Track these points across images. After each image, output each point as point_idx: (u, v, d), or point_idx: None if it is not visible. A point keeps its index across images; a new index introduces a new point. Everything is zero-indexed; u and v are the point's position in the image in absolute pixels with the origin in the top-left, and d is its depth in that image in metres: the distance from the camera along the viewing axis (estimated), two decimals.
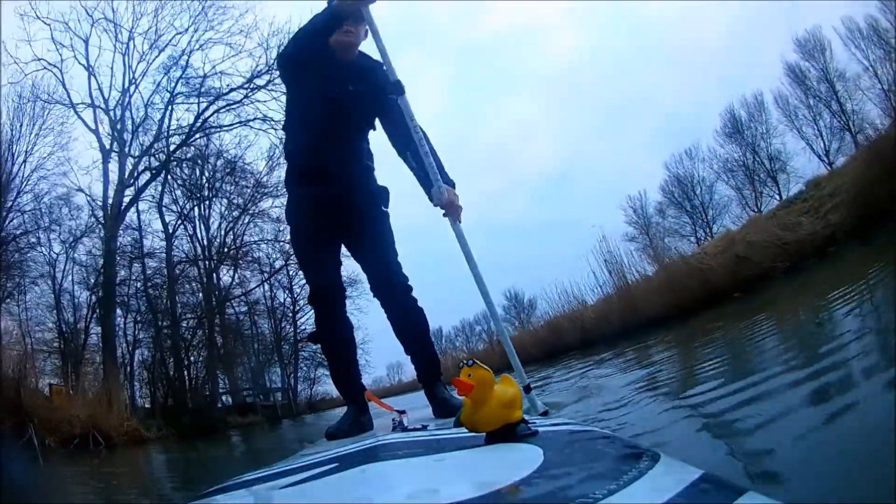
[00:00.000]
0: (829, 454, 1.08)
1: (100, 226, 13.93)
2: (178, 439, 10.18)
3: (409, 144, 1.84)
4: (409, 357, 2.03)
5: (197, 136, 15.03)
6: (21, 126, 13.29)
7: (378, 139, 2.05)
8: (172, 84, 14.65)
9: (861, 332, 2.22)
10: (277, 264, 18.77)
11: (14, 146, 13.04)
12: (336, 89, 1.89)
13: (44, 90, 13.49)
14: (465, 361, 0.90)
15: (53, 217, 14.21)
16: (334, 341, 2.02)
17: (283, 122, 2.22)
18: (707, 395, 2.14)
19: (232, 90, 14.49)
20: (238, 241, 17.75)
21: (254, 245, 17.94)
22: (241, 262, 17.92)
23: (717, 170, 20.85)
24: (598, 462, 0.73)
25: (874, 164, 6.41)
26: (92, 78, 13.97)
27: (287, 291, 20.30)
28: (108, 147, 13.85)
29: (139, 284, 15.37)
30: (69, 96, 13.82)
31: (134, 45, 14.27)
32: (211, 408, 15.46)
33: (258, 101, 14.47)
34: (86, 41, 13.79)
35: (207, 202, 16.92)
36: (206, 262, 17.02)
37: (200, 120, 14.78)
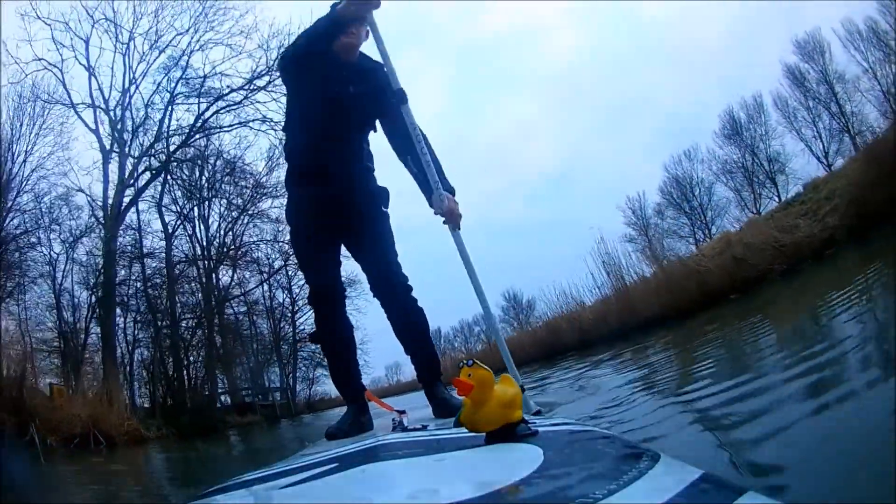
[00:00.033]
0: (829, 454, 1.08)
1: (100, 226, 13.95)
2: (177, 439, 10.18)
3: (410, 149, 1.85)
4: (409, 357, 2.03)
5: (197, 136, 15.04)
6: (21, 126, 13.30)
7: (378, 142, 2.06)
8: (172, 84, 14.66)
9: (858, 333, 2.22)
10: (276, 265, 18.82)
11: (14, 146, 13.05)
12: (337, 90, 1.90)
13: (44, 90, 13.51)
14: (465, 361, 0.90)
15: (54, 216, 14.25)
16: (334, 341, 2.02)
17: (283, 124, 2.22)
18: (705, 396, 2.15)
19: (232, 91, 14.49)
20: (237, 242, 17.77)
21: (253, 245, 17.97)
22: (240, 262, 17.94)
23: (716, 171, 20.92)
24: (598, 462, 0.73)
25: (871, 168, 6.42)
26: (92, 78, 13.98)
27: (286, 292, 20.35)
28: (108, 147, 13.86)
29: (139, 284, 15.38)
30: (69, 96, 13.83)
31: (134, 46, 14.27)
32: (210, 407, 15.45)
33: (258, 101, 14.48)
34: (86, 41, 13.80)
35: (207, 202, 16.94)
36: (206, 263, 17.02)
37: (200, 121, 14.79)
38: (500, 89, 52.13)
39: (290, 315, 20.84)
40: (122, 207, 13.79)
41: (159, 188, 15.37)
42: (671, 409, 2.08)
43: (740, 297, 7.18)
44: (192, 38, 14.27)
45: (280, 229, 16.97)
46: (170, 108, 14.62)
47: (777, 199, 18.29)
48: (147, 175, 14.57)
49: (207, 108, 14.74)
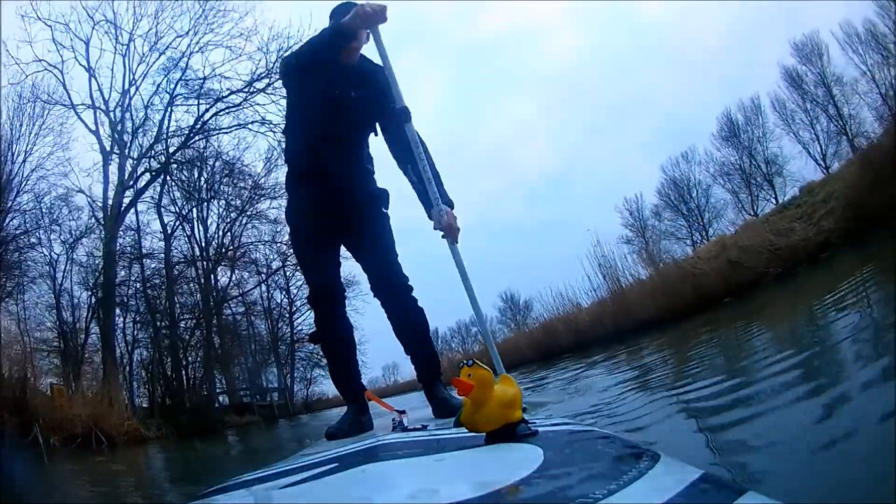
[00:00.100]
0: (829, 454, 1.08)
1: (100, 227, 13.94)
2: (177, 439, 10.21)
3: (410, 158, 1.85)
4: (409, 357, 2.03)
5: (196, 138, 15.04)
6: (21, 126, 13.29)
7: (378, 145, 2.06)
8: (172, 86, 14.66)
9: (855, 334, 2.23)
10: (274, 265, 18.81)
11: (14, 146, 13.03)
12: (338, 92, 1.90)
13: (44, 91, 13.50)
14: (465, 361, 0.90)
15: (54, 217, 14.25)
16: (334, 341, 2.02)
17: (282, 126, 2.22)
18: (702, 396, 2.15)
19: (232, 93, 14.49)
20: (236, 243, 17.76)
21: (251, 246, 17.96)
22: (238, 263, 17.92)
23: (714, 173, 20.96)
24: (598, 462, 0.73)
25: (867, 172, 6.43)
26: (93, 79, 13.98)
27: (284, 292, 20.35)
28: (108, 149, 13.85)
29: (138, 285, 15.38)
30: (69, 97, 13.83)
31: (134, 47, 14.27)
32: (208, 407, 15.45)
33: (257, 103, 14.47)
34: (86, 43, 13.79)
35: (206, 203, 16.94)
36: (204, 263, 17.01)
37: (200, 122, 14.78)
38: (500, 89, 52.33)
39: (287, 316, 20.86)
40: (122, 208, 13.79)
41: (158, 189, 15.39)
42: (667, 408, 2.09)
43: (735, 300, 7.21)
44: (191, 39, 14.29)
45: (278, 230, 17.02)
46: (169, 109, 14.64)
47: (775, 201, 18.34)
48: (147, 176, 14.58)
49: (207, 110, 14.76)
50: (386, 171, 2.05)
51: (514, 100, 50.06)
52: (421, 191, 1.88)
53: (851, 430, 1.17)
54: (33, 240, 13.77)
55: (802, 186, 12.52)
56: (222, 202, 17.14)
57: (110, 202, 13.52)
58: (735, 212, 20.03)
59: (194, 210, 16.95)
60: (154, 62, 14.43)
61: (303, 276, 2.24)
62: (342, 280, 2.03)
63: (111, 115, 14.14)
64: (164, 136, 14.66)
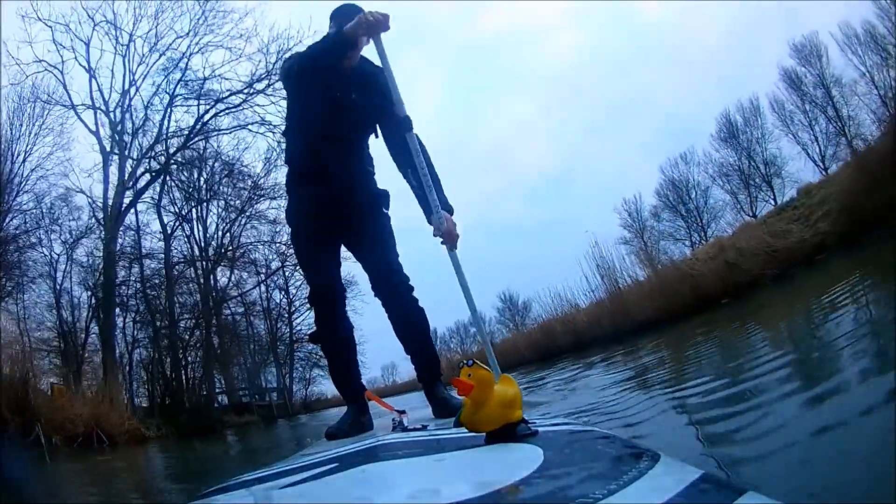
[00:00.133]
0: (829, 454, 1.08)
1: (100, 227, 13.94)
2: (176, 438, 10.24)
3: (411, 161, 1.85)
4: (409, 357, 2.03)
5: (196, 139, 15.05)
6: (21, 126, 13.29)
7: (379, 148, 2.07)
8: (172, 86, 14.67)
9: (852, 335, 2.23)
10: (274, 265, 18.80)
11: (14, 146, 13.02)
12: (339, 94, 1.90)
13: (44, 91, 13.52)
14: (465, 361, 0.90)
15: (54, 216, 14.26)
16: (334, 341, 2.02)
17: (282, 127, 2.22)
18: (701, 396, 2.16)
19: (232, 94, 14.50)
20: (235, 243, 17.75)
21: (250, 246, 17.96)
22: (237, 263, 17.92)
23: (713, 174, 20.97)
24: (598, 462, 0.73)
25: (863, 174, 6.43)
26: (93, 80, 13.99)
27: (283, 292, 20.34)
28: (108, 149, 13.85)
29: (138, 285, 15.38)
30: (70, 98, 13.87)
31: (134, 48, 14.28)
32: (208, 407, 15.45)
33: (257, 104, 14.48)
34: (87, 43, 13.81)
35: (205, 204, 16.94)
36: (204, 263, 17.00)
37: (200, 123, 14.79)
38: (500, 89, 52.34)
39: (286, 316, 20.86)
40: (122, 209, 13.79)
41: (158, 189, 15.41)
42: (665, 408, 2.09)
43: (733, 301, 7.24)
44: (191, 40, 14.31)
45: (277, 230, 17.05)
46: (169, 109, 14.65)
47: (773, 202, 18.36)
48: (147, 177, 14.60)
49: (207, 111, 14.77)
50: (386, 171, 2.05)
51: (514, 100, 50.13)
52: (421, 196, 1.88)
53: (851, 430, 1.17)
54: (33, 240, 13.82)
55: (800, 188, 12.55)
56: (222, 202, 17.17)
57: (110, 202, 13.55)
58: (734, 213, 20.09)
59: (194, 210, 16.98)
60: (154, 63, 14.47)
61: (303, 276, 2.24)
62: (342, 280, 2.03)
63: (111, 115, 14.16)
64: (164, 136, 14.68)
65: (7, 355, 7.20)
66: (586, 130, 43.52)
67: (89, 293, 14.79)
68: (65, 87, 13.70)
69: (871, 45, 14.50)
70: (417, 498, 0.65)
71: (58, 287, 14.55)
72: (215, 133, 15.26)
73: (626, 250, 13.95)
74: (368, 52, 1.94)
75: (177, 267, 16.30)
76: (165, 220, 15.85)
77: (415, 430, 1.28)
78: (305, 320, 19.76)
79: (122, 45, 14.13)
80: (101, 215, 13.84)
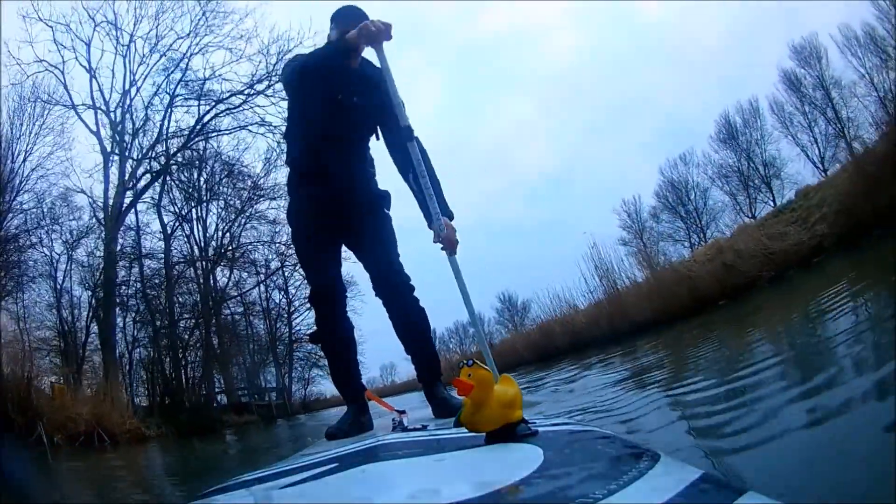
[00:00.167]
0: (829, 454, 1.08)
1: (100, 227, 13.95)
2: (176, 438, 10.25)
3: (412, 166, 1.85)
4: (410, 357, 2.03)
5: (197, 139, 15.05)
6: (22, 125, 13.29)
7: (381, 151, 2.06)
8: (172, 87, 14.67)
9: (848, 336, 2.24)
10: (273, 265, 18.79)
11: (15, 145, 13.02)
12: (340, 96, 1.90)
13: (44, 90, 13.51)
14: (465, 362, 0.90)
15: (55, 215, 14.26)
16: (334, 341, 2.02)
17: (282, 128, 2.22)
18: (699, 396, 2.16)
19: (232, 95, 14.50)
20: (235, 243, 17.75)
21: (250, 246, 17.95)
22: (237, 263, 17.91)
23: (712, 175, 20.99)
24: (598, 462, 0.73)
25: (861, 177, 6.44)
26: (93, 80, 13.98)
27: (282, 293, 20.33)
28: (108, 150, 13.85)
29: (138, 285, 15.39)
30: (70, 98, 13.87)
31: (135, 48, 14.29)
32: (207, 407, 15.45)
33: (257, 105, 14.49)
34: (87, 44, 13.81)
35: (205, 204, 16.94)
36: (204, 263, 17.00)
37: (200, 124, 14.79)
38: (500, 89, 52.40)
39: (286, 316, 20.86)
40: (123, 209, 13.79)
41: (158, 189, 15.42)
42: (663, 407, 2.09)
43: (730, 302, 7.25)
44: (191, 41, 14.31)
45: (277, 230, 17.04)
46: (169, 110, 14.65)
47: (773, 203, 18.36)
48: (147, 177, 14.60)
49: (208, 112, 14.77)
50: (387, 172, 2.05)
51: (514, 100, 50.22)
52: (421, 200, 1.88)
53: (851, 430, 1.17)
54: (34, 239, 13.82)
55: (798, 190, 12.55)
56: (221, 202, 17.17)
57: (111, 202, 13.55)
58: (733, 214, 20.10)
59: (194, 210, 16.98)
60: (155, 63, 14.47)
61: (304, 276, 2.24)
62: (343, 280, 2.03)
63: (112, 115, 14.16)
64: (164, 136, 14.68)
65: (8, 354, 7.22)
66: (586, 130, 43.61)
67: (89, 293, 14.84)
68: (65, 87, 13.73)
69: (871, 46, 14.52)
70: (417, 498, 0.65)
71: (58, 286, 14.59)
72: (215, 134, 15.28)
73: (625, 251, 13.98)
74: (370, 53, 1.94)
75: (177, 267, 16.31)
76: (165, 220, 15.90)
77: (415, 430, 1.28)
78: (305, 320, 19.81)
79: (123, 46, 14.16)
80: (101, 215, 13.87)
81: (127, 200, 13.99)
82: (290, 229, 2.13)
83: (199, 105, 14.77)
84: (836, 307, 3.23)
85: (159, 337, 15.32)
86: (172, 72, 14.56)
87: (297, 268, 17.69)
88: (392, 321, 2.01)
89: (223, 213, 17.38)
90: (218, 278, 18.09)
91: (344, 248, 2.04)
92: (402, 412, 1.50)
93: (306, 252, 2.03)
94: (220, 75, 14.41)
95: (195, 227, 17.23)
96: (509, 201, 46.95)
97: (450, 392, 1.90)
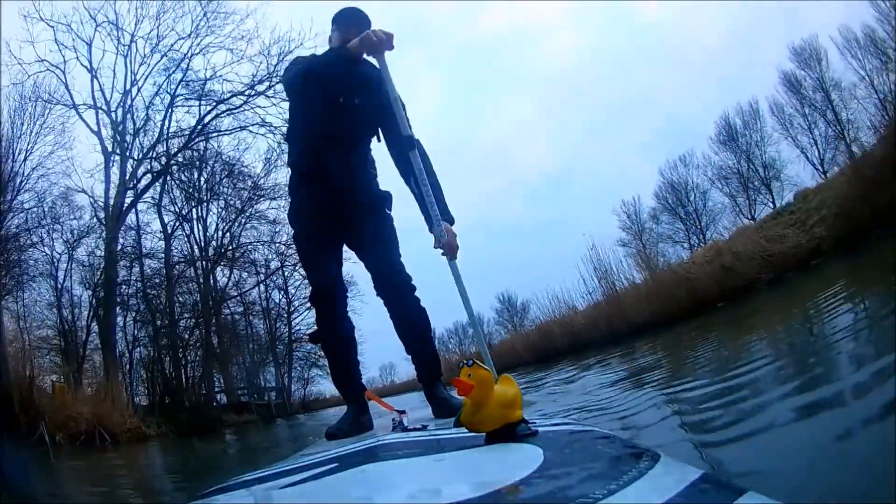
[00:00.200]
0: (829, 454, 1.08)
1: (101, 227, 13.95)
2: (176, 437, 10.26)
3: (413, 169, 1.86)
4: (410, 357, 2.03)
5: (197, 139, 15.06)
6: (22, 124, 13.29)
7: (382, 153, 2.07)
8: (173, 87, 14.68)
9: (845, 338, 2.24)
10: (273, 265, 18.79)
11: (15, 144, 13.03)
12: (342, 98, 1.90)
13: (45, 90, 13.51)
14: (465, 362, 0.90)
15: (56, 215, 14.28)
16: (334, 341, 2.02)
17: (282, 128, 2.22)
18: (698, 397, 2.16)
19: (233, 95, 14.50)
20: (235, 243, 17.76)
21: (250, 246, 17.95)
22: (237, 263, 17.92)
23: (712, 177, 21.00)
24: (598, 462, 0.73)
25: (859, 180, 6.44)
26: (94, 80, 13.98)
27: (282, 292, 20.34)
28: (109, 150, 13.86)
29: (138, 284, 15.40)
30: (72, 97, 13.86)
31: (136, 48, 14.29)
32: (207, 406, 15.46)
33: (258, 106, 14.48)
34: (89, 44, 13.80)
35: (205, 203, 16.96)
36: (204, 263, 17.01)
37: (201, 124, 14.80)
38: (500, 89, 52.38)
39: (285, 315, 20.86)
40: (123, 208, 13.80)
41: (159, 189, 15.43)
42: (662, 407, 2.09)
43: (729, 304, 7.27)
44: (192, 41, 14.31)
45: (277, 230, 17.04)
46: (170, 110, 14.65)
47: (772, 205, 18.36)
48: (148, 177, 14.60)
49: (209, 112, 14.77)
50: (387, 173, 2.06)
51: (514, 100, 50.20)
52: (422, 205, 1.89)
53: (851, 430, 1.17)
54: (35, 238, 13.83)
55: (797, 193, 12.54)
56: (222, 202, 17.18)
57: (111, 202, 13.55)
58: (733, 216, 20.11)
59: (194, 210, 16.99)
60: (156, 63, 14.48)
61: (304, 276, 2.25)
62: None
63: (113, 115, 14.17)
64: (165, 136, 14.69)
65: (10, 353, 7.24)
66: (586, 130, 43.61)
67: (90, 292, 14.86)
68: (67, 86, 13.72)
69: (871, 48, 14.52)
70: (417, 498, 0.65)
71: (59, 286, 14.61)
72: (216, 134, 15.29)
73: (624, 252, 14.00)
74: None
75: (177, 266, 16.31)
76: (166, 219, 15.90)
77: (415, 430, 1.28)
78: (304, 320, 19.82)
79: (124, 46, 14.14)
80: (102, 215, 13.87)
81: (128, 200, 14.00)
82: (290, 230, 2.13)
83: (199, 105, 14.79)
84: (833, 309, 3.23)
85: (159, 336, 15.33)
86: (173, 72, 14.58)
87: (296, 268, 17.73)
88: (393, 321, 2.01)
89: (223, 212, 17.41)
90: (218, 278, 18.12)
91: (346, 248, 2.04)
92: (402, 412, 1.50)
93: (307, 252, 2.03)
94: (220, 76, 14.43)
95: (195, 226, 17.26)
96: (509, 201, 46.98)
97: (450, 392, 1.90)
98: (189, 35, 14.19)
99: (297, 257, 2.41)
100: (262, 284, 19.44)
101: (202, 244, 17.34)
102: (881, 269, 4.12)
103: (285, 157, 2.17)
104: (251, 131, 14.83)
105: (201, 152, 15.64)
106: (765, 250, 7.75)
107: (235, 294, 18.56)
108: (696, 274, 8.29)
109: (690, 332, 5.86)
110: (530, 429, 0.92)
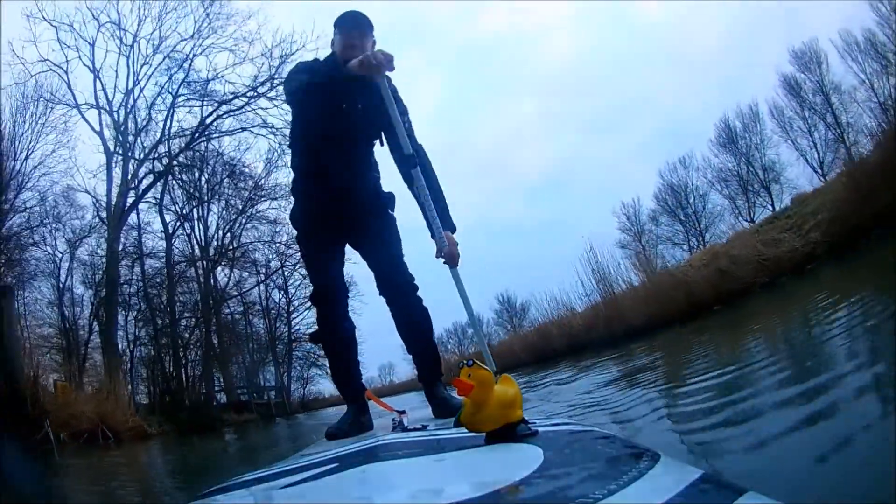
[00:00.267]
0: (829, 454, 1.08)
1: (103, 226, 13.98)
2: (177, 435, 10.30)
3: (415, 187, 1.86)
4: (411, 356, 2.03)
5: (199, 140, 15.08)
6: (24, 123, 13.32)
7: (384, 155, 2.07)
8: (175, 87, 14.70)
9: (845, 339, 2.24)
10: (273, 265, 18.82)
11: (17, 143, 13.05)
12: (344, 102, 1.90)
13: (47, 89, 13.54)
14: (465, 362, 0.90)
15: (58, 214, 14.32)
16: (335, 341, 2.02)
17: (285, 131, 2.22)
18: (698, 397, 2.16)
19: (235, 97, 14.52)
20: (235, 243, 17.78)
21: (251, 246, 17.98)
22: (238, 262, 17.94)
23: (711, 179, 20.99)
24: (598, 462, 0.73)
25: (856, 185, 6.44)
26: (97, 80, 14.02)
27: (282, 292, 20.36)
28: (112, 150, 13.88)
29: (140, 284, 15.43)
30: (74, 97, 13.90)
31: (138, 49, 14.31)
32: (207, 405, 15.48)
33: (260, 107, 14.50)
34: (91, 44, 13.84)
35: (206, 203, 16.98)
36: (204, 263, 17.03)
37: (202, 125, 14.82)
38: (500, 89, 52.25)
39: (285, 315, 20.88)
40: (125, 208, 13.83)
41: (160, 189, 15.45)
42: (662, 408, 2.09)
43: (725, 308, 7.30)
44: (195, 42, 14.34)
45: (277, 230, 17.07)
46: (172, 110, 14.68)
47: (771, 208, 18.35)
48: (150, 177, 14.63)
49: (211, 113, 14.79)
50: (389, 175, 2.06)
51: (514, 100, 50.17)
52: (424, 215, 1.89)
53: (851, 430, 1.17)
54: (36, 237, 13.86)
55: (794, 197, 12.57)
56: (223, 202, 17.21)
57: (114, 202, 13.57)
58: (732, 218, 20.07)
59: (195, 210, 17.01)
60: (158, 64, 14.51)
61: (304, 276, 2.25)
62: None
63: (115, 115, 14.20)
64: (167, 137, 14.72)
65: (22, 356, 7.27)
66: (586, 130, 43.62)
67: (91, 291, 14.90)
68: (69, 86, 13.77)
69: (871, 52, 14.52)
70: (417, 498, 0.65)
71: (60, 285, 14.63)
72: (217, 135, 15.32)
73: (623, 254, 14.00)
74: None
75: (178, 266, 16.34)
76: (167, 219, 15.94)
77: (415, 430, 1.27)
78: (304, 320, 19.85)
79: (127, 46, 14.21)
80: (104, 214, 13.91)
81: (129, 200, 14.04)
82: (291, 230, 2.14)
83: (201, 106, 14.85)
84: (830, 312, 3.23)
85: (160, 335, 15.36)
86: (175, 72, 14.62)
87: (296, 268, 17.77)
88: (395, 321, 2.01)
89: (224, 212, 17.47)
90: (218, 278, 18.17)
91: (349, 248, 2.05)
92: (402, 412, 1.50)
93: (308, 252, 2.04)
94: (222, 77, 14.46)
95: (196, 226, 17.31)
96: (509, 201, 46.94)
97: (450, 392, 1.90)
98: (191, 36, 14.28)
99: (298, 257, 2.41)
100: (262, 284, 19.50)
101: (203, 244, 17.39)
102: (879, 272, 4.13)
103: (286, 158, 2.16)
104: (253, 132, 14.89)
105: (203, 152, 15.68)
106: (761, 254, 7.77)
107: (236, 294, 18.64)
108: (692, 277, 8.32)
109: (688, 335, 5.87)
110: (530, 429, 0.92)
